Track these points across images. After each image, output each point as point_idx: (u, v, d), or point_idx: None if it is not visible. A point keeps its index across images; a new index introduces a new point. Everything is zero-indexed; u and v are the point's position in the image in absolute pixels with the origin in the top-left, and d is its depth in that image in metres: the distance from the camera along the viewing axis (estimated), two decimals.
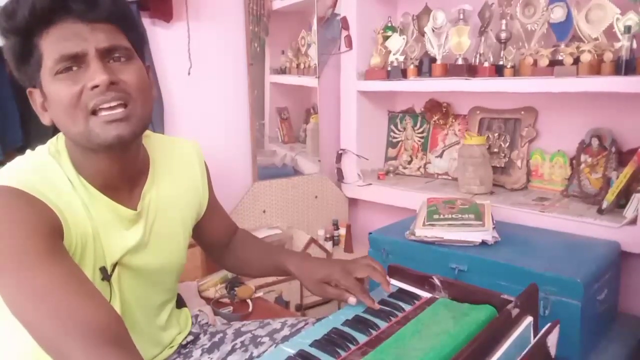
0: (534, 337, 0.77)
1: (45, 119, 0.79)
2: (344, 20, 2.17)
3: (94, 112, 0.74)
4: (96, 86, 0.72)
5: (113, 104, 0.74)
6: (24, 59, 0.75)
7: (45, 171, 0.78)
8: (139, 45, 0.83)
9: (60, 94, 0.73)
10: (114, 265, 0.83)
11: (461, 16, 1.87)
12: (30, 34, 0.73)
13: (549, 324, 0.73)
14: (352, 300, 0.88)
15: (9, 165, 0.78)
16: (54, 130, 1.60)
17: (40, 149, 0.83)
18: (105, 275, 0.81)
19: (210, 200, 1.05)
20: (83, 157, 0.80)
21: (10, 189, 0.72)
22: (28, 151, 0.83)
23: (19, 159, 0.80)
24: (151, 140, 0.94)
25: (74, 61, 0.73)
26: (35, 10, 0.72)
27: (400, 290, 0.92)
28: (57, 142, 0.83)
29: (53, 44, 0.73)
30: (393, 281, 0.93)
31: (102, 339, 0.64)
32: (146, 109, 0.79)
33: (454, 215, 1.56)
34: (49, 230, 0.71)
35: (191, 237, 1.05)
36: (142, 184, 0.88)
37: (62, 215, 0.74)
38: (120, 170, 0.83)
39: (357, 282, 0.90)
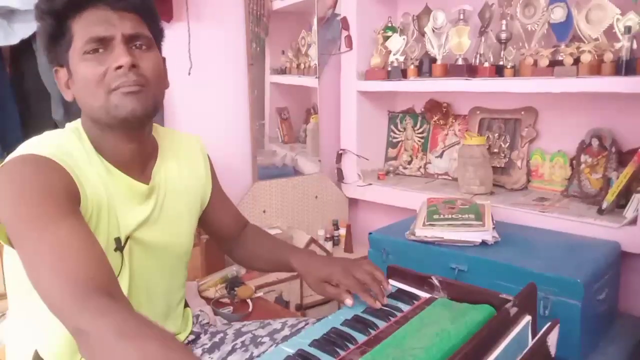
0: (533, 336, 0.77)
1: (68, 96, 0.87)
2: (344, 20, 2.17)
3: (115, 90, 0.80)
4: (120, 67, 0.79)
5: (132, 85, 0.80)
6: (56, 39, 0.83)
7: (65, 143, 0.83)
8: (158, 39, 0.91)
9: (87, 73, 0.81)
10: (127, 238, 0.87)
11: (461, 16, 1.87)
12: (65, 17, 0.81)
13: (549, 323, 0.73)
14: (348, 302, 0.89)
15: (27, 141, 0.82)
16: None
17: (58, 129, 0.89)
18: (119, 245, 0.85)
19: (216, 191, 1.09)
20: (100, 134, 0.86)
21: (30, 155, 0.77)
22: (46, 131, 0.87)
23: (37, 136, 0.85)
24: (158, 131, 1.00)
25: (102, 44, 0.80)
26: None
27: (400, 290, 0.92)
28: (76, 123, 0.89)
29: (84, 27, 0.80)
30: (392, 281, 0.94)
31: (91, 288, 0.65)
32: (159, 93, 0.88)
33: (454, 216, 1.56)
34: (66, 194, 0.75)
35: (200, 228, 1.11)
36: (152, 164, 0.94)
37: (79, 182, 0.79)
38: (134, 148, 0.88)
39: (357, 282, 0.91)
